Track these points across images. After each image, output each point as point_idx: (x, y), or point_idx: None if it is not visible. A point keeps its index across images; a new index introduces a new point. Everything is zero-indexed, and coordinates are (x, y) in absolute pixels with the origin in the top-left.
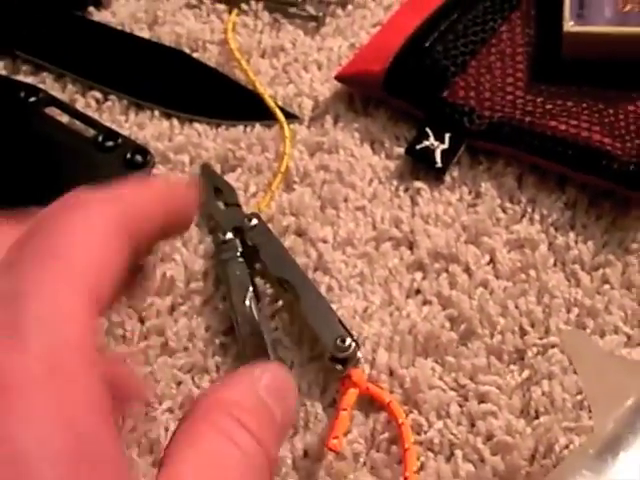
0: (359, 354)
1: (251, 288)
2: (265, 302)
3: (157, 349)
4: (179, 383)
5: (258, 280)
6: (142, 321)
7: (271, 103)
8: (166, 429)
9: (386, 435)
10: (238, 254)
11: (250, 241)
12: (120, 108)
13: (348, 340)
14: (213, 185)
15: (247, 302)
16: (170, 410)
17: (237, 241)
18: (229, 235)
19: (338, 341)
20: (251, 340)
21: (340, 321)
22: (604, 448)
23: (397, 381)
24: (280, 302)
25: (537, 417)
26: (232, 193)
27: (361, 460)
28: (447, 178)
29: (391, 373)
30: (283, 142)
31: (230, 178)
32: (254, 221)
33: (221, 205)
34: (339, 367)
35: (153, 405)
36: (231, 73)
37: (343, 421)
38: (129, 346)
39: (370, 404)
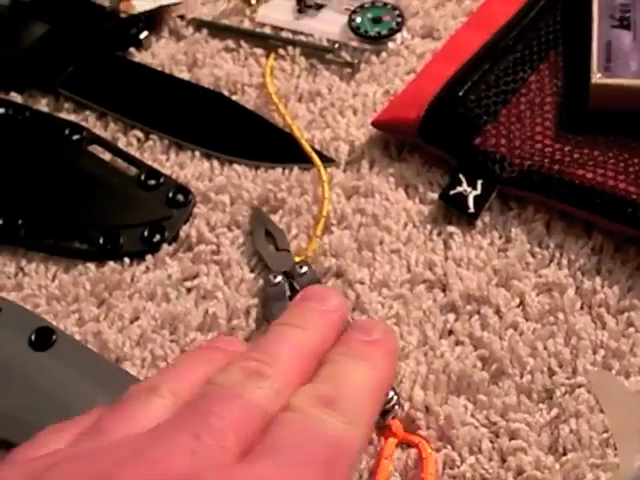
0: (396, 407)
1: None
2: None
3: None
4: None
5: None
6: None
7: (307, 147)
8: None
9: (418, 470)
10: (286, 297)
11: (299, 286)
12: (161, 148)
13: (390, 393)
14: (264, 228)
15: None
16: None
17: (286, 285)
18: (279, 278)
19: None
20: None
21: None
22: None
23: (433, 417)
24: None
25: (565, 454)
26: (283, 237)
27: None
28: (479, 223)
29: (427, 410)
30: (321, 185)
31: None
32: (304, 268)
33: (272, 248)
34: (379, 420)
35: None
36: (269, 116)
37: (385, 470)
38: None
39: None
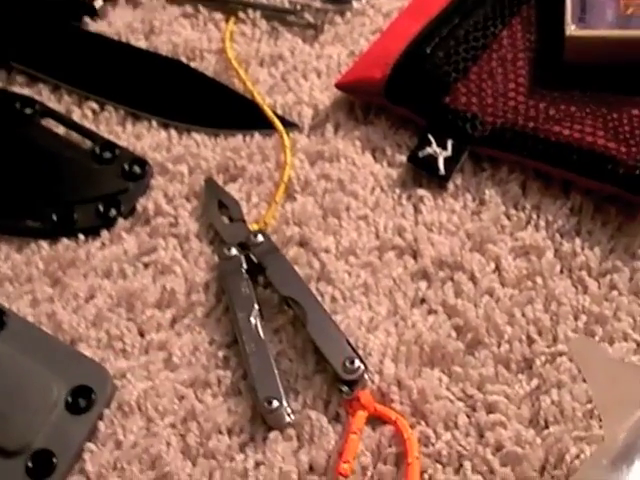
0: (366, 376)
1: (256, 306)
2: (269, 317)
3: (159, 363)
4: (181, 398)
5: (262, 295)
6: (142, 334)
7: (269, 112)
8: (168, 444)
9: (393, 449)
10: (243, 270)
11: (256, 258)
12: (117, 119)
13: (357, 362)
14: (217, 199)
15: (252, 319)
16: (172, 425)
17: (242, 257)
18: (234, 251)
19: (347, 363)
20: (255, 356)
21: (348, 342)
22: (618, 457)
23: (405, 392)
24: (284, 317)
25: (547, 427)
26: (237, 208)
27: (368, 474)
28: (450, 186)
29: (399, 384)
30: (283, 151)
31: (231, 188)
32: (260, 238)
33: (226, 220)
34: (345, 389)
35: (155, 420)
36: (229, 82)
37: (353, 445)
38: (129, 360)
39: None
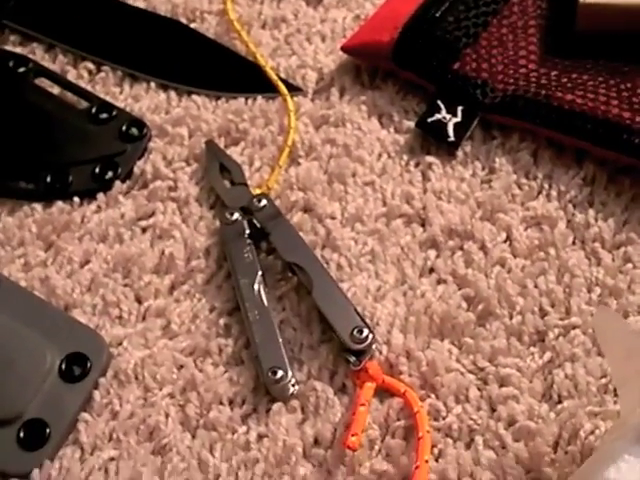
0: (374, 346)
1: (260, 272)
2: (272, 284)
3: (157, 331)
4: (180, 367)
5: (265, 261)
6: (139, 301)
7: (273, 75)
8: (166, 415)
9: (402, 422)
10: (246, 235)
11: (259, 223)
12: (114, 79)
13: (365, 331)
14: (219, 162)
15: (256, 286)
16: (171, 395)
17: (245, 222)
18: (236, 215)
19: (355, 332)
20: (259, 324)
21: (356, 310)
22: None
23: (414, 363)
24: (288, 284)
25: (560, 401)
26: (239, 171)
27: (376, 447)
28: (459, 153)
29: (407, 355)
30: (287, 115)
31: (233, 152)
32: (263, 202)
33: (227, 184)
34: (353, 359)
35: (153, 390)
36: (230, 45)
37: (361, 417)
38: (125, 327)
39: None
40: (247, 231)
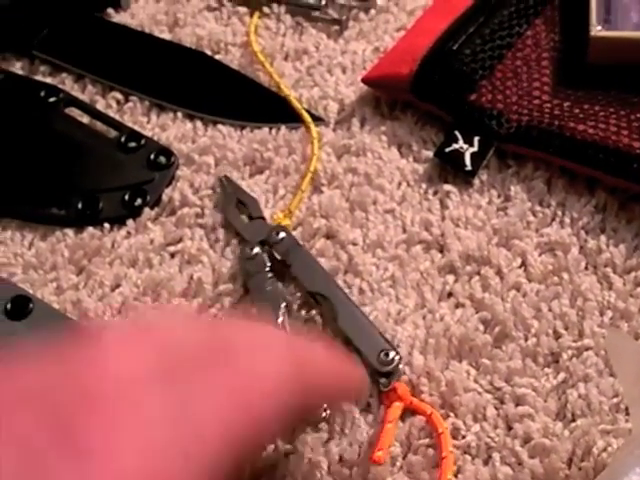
0: (401, 366)
1: (284, 304)
2: (296, 314)
3: None
4: None
5: (287, 292)
6: None
7: (297, 104)
8: None
9: (424, 440)
10: (267, 269)
11: (279, 255)
12: (142, 109)
13: (392, 354)
14: (235, 197)
15: (280, 319)
16: None
17: (265, 255)
18: (256, 249)
19: (382, 355)
20: None
21: (381, 334)
22: None
23: (434, 384)
24: (312, 313)
25: (574, 420)
26: (255, 205)
27: (398, 464)
28: (476, 181)
29: (427, 376)
30: (310, 144)
31: (257, 180)
32: (281, 234)
33: (245, 219)
34: (383, 380)
35: None
36: (254, 76)
37: (389, 434)
38: None
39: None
40: (268, 264)
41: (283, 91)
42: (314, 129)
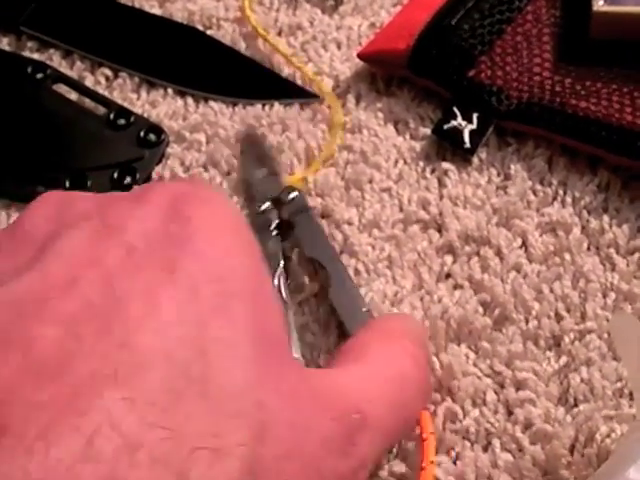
0: None
1: (282, 264)
2: (295, 281)
3: None
4: None
5: (288, 253)
6: None
7: (310, 75)
8: None
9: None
10: (273, 226)
11: (287, 215)
12: (131, 86)
13: None
14: (255, 151)
15: (276, 280)
16: None
17: (274, 212)
18: (265, 205)
19: None
20: None
21: (371, 314)
22: None
23: (431, 367)
24: (307, 290)
25: (576, 405)
26: (273, 162)
27: (394, 450)
28: (475, 159)
29: None
30: (332, 115)
31: None
32: (293, 194)
33: (260, 173)
34: None
35: None
36: (246, 52)
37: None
38: None
39: None
40: (275, 221)
41: (294, 62)
42: (335, 101)
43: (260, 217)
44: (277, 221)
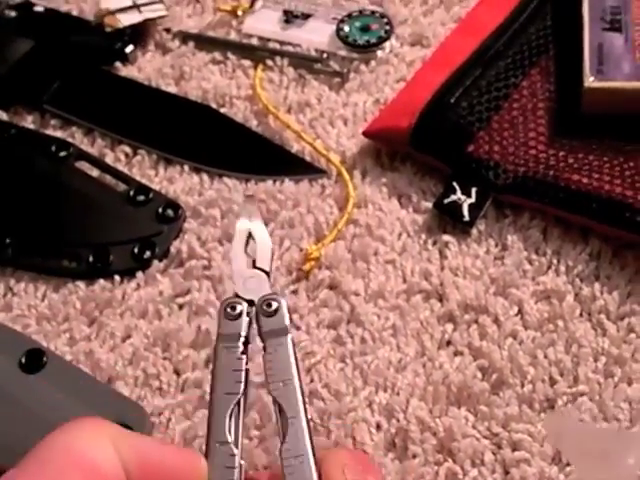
0: None
1: (238, 401)
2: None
3: (195, 402)
4: None
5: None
6: (178, 373)
7: (323, 150)
8: None
9: None
10: (241, 341)
11: (262, 329)
12: (150, 163)
13: None
14: (248, 231)
15: (226, 426)
16: None
17: (246, 322)
18: (239, 308)
19: None
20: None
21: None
22: None
23: (432, 430)
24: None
25: (569, 464)
26: (265, 252)
27: None
28: (474, 231)
29: (426, 423)
30: (346, 187)
31: None
32: (274, 305)
33: (247, 263)
34: None
35: None
36: (258, 129)
37: None
38: (165, 398)
39: None
40: (244, 334)
41: (306, 138)
42: (345, 173)
43: (232, 323)
44: (245, 335)
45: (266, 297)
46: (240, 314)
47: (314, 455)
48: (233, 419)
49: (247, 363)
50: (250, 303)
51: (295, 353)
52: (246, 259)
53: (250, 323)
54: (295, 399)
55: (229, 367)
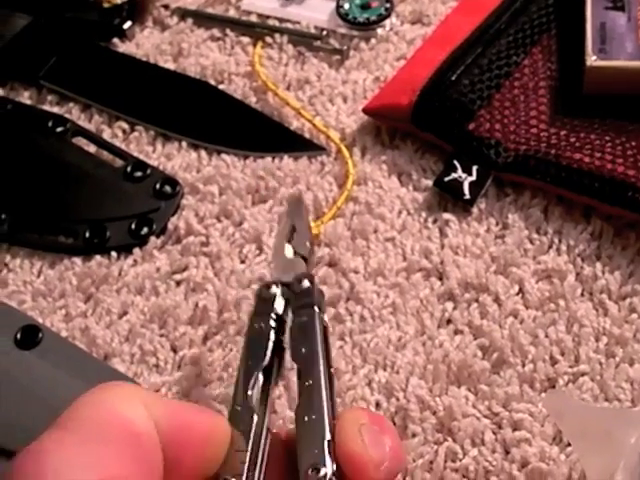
0: None
1: (260, 375)
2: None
3: (192, 379)
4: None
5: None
6: (175, 350)
7: (322, 128)
8: None
9: None
10: (272, 317)
11: (293, 304)
12: (147, 139)
13: (323, 470)
14: (291, 224)
15: (249, 392)
16: None
17: (279, 302)
18: (274, 290)
19: (310, 471)
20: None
21: (329, 443)
22: None
23: (432, 409)
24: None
25: (569, 444)
26: (303, 240)
27: None
28: (474, 210)
29: (425, 401)
30: (345, 164)
31: (261, 210)
32: (306, 284)
33: (288, 250)
34: None
35: None
36: (257, 105)
37: None
38: (162, 375)
39: None
40: (278, 310)
41: (306, 115)
42: (345, 150)
43: (263, 303)
44: (280, 311)
45: (299, 275)
46: (274, 295)
47: (333, 417)
48: (257, 386)
49: (281, 339)
50: (288, 286)
51: (324, 327)
52: (287, 247)
53: (286, 305)
54: (313, 364)
55: (255, 336)
